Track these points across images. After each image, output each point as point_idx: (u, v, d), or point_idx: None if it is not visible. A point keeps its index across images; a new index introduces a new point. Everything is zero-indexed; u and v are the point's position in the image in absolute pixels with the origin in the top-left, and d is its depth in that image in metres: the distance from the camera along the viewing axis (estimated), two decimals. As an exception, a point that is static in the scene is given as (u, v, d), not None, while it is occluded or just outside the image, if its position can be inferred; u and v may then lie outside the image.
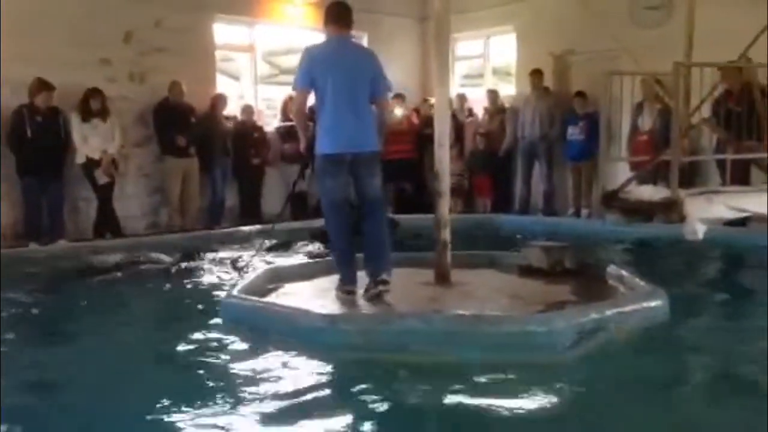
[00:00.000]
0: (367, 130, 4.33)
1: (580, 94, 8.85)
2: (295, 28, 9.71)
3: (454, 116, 9.28)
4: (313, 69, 4.29)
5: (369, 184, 4.36)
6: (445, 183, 4.78)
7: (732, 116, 5.68)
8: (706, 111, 6.37)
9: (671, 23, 7.79)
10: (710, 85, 5.69)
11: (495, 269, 5.30)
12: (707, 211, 4.86)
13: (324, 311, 4.08)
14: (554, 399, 2.93)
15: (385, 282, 4.30)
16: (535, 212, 9.25)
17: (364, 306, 4.27)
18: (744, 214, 5.26)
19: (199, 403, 2.90)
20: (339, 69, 4.26)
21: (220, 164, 8.65)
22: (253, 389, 3.06)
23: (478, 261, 5.44)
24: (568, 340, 3.52)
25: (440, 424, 2.76)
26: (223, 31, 9.25)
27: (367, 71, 4.36)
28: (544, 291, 4.64)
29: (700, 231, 4.78)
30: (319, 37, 4.63)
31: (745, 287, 5.51)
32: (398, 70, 10.52)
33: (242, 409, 2.86)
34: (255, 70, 9.64)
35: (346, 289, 4.42)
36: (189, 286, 5.45)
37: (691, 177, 6.90)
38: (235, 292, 4.36)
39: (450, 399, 2.93)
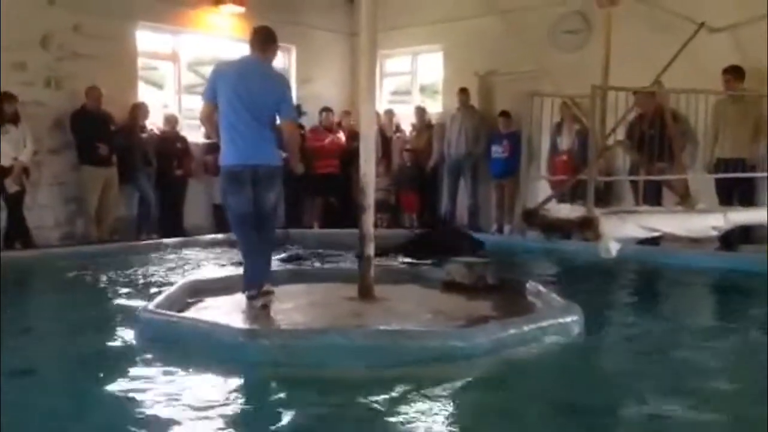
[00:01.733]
0: (265, 145, 4.42)
1: (504, 113, 9.06)
2: (221, 38, 9.59)
3: (381, 132, 9.35)
4: (218, 83, 4.41)
5: (263, 197, 4.45)
6: (370, 198, 4.79)
7: (645, 139, 5.92)
8: (621, 133, 6.63)
9: (589, 47, 8.09)
10: (625, 109, 5.92)
11: (418, 284, 5.34)
12: (621, 229, 5.03)
13: (245, 326, 4.02)
14: (471, 412, 2.96)
15: (269, 293, 4.42)
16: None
17: (284, 321, 4.22)
18: (655, 234, 5.47)
19: (108, 427, 2.78)
20: (241, 85, 4.35)
21: (143, 174, 8.42)
22: (168, 407, 2.96)
23: (402, 276, 5.47)
24: (487, 354, 3.57)
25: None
26: (147, 39, 9.03)
27: (273, 93, 4.46)
28: (467, 306, 4.71)
29: (614, 249, 4.94)
30: (244, 48, 4.64)
31: (654, 302, 5.73)
32: (327, 84, 10.57)
33: (155, 429, 2.76)
34: (179, 79, 9.45)
35: (265, 290, 4.42)
36: (107, 299, 5.25)
37: (606, 197, 7.15)
38: (150, 306, 4.22)
39: (368, 413, 2.91)
